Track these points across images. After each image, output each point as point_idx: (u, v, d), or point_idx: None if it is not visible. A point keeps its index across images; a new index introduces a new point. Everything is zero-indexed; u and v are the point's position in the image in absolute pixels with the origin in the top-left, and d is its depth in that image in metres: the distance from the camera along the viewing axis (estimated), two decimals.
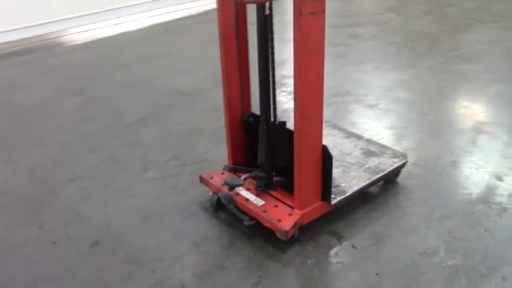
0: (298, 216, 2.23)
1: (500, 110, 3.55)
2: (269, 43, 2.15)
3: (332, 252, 2.24)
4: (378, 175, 2.50)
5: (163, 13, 6.77)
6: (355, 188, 2.40)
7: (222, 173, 2.57)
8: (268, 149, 2.30)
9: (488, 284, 2.00)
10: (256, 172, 2.38)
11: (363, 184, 2.43)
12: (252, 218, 2.31)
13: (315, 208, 2.30)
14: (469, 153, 2.97)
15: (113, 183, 2.83)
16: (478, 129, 3.26)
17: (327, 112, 2.75)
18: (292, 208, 2.28)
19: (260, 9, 2.13)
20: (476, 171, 2.78)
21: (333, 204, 2.31)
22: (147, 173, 2.90)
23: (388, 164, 2.57)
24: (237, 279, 2.09)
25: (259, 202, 2.34)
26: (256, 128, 2.34)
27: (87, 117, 3.69)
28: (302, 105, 2.06)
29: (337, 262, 2.17)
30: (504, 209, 2.45)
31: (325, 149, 2.20)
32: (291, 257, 2.20)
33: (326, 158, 2.21)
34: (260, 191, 2.39)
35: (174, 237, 2.35)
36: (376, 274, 2.09)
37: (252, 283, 2.06)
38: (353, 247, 2.26)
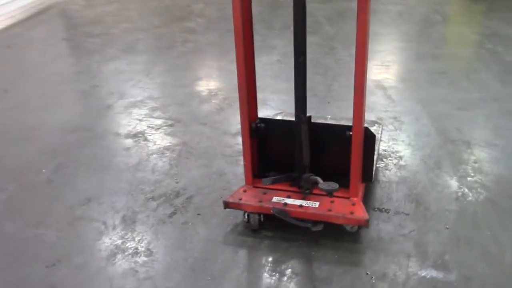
0: (361, 203, 2.22)
1: None
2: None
3: (399, 222, 2.30)
4: None
5: None
6: None
7: (245, 191, 2.33)
8: (310, 148, 2.20)
9: None
10: (296, 175, 2.25)
11: None
12: (315, 222, 2.18)
13: (362, 191, 2.32)
14: None
15: None
16: None
17: None
18: (347, 198, 2.24)
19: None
20: None
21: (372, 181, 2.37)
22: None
23: None
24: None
25: (314, 204, 2.22)
26: (267, 132, 2.28)
27: None
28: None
29: (410, 231, 2.26)
30: None
31: (366, 129, 2.21)
32: (380, 240, 2.19)
33: (369, 138, 2.22)
34: (307, 194, 2.27)
35: None
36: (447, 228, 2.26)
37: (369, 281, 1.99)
38: (405, 213, 2.37)
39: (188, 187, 2.64)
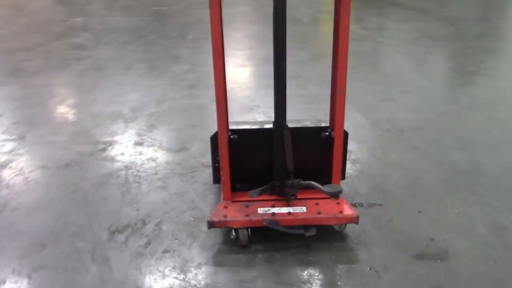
0: (345, 201, 2.25)
1: None
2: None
3: (377, 213, 2.38)
4: None
5: None
6: None
7: (226, 207, 2.23)
8: (292, 155, 2.17)
9: None
10: (278, 183, 2.21)
11: None
12: (306, 227, 2.16)
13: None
14: None
15: None
16: None
17: None
18: (329, 198, 2.25)
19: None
20: None
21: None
22: None
23: None
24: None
25: (302, 209, 2.20)
26: (240, 143, 2.20)
27: None
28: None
29: (389, 221, 2.35)
30: None
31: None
32: (366, 234, 2.23)
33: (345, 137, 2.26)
34: (292, 199, 2.23)
35: None
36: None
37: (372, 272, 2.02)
38: (377, 204, 2.46)
39: (151, 213, 2.44)
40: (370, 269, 2.05)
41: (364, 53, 4.80)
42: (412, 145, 3.02)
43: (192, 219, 2.38)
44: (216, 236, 2.25)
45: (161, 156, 2.97)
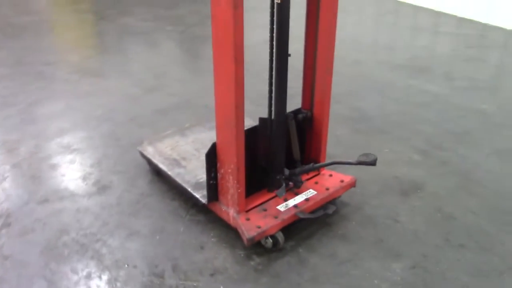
0: (334, 171, 2.41)
1: None
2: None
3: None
4: None
5: None
6: None
7: (248, 219, 2.10)
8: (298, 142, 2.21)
9: None
10: (288, 172, 2.23)
11: None
12: (326, 207, 2.25)
13: None
14: None
15: None
16: None
17: None
18: (319, 173, 2.39)
19: None
20: None
21: None
22: None
23: None
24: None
25: (313, 192, 2.26)
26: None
27: None
28: None
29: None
30: None
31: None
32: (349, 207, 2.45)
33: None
34: (299, 187, 2.26)
35: None
36: None
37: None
38: None
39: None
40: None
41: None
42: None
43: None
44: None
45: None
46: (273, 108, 2.11)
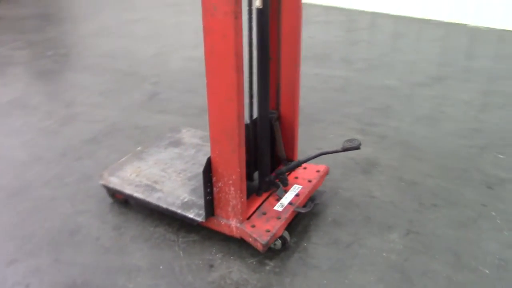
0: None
1: None
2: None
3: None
4: None
5: None
6: None
7: (253, 226, 2.11)
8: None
9: None
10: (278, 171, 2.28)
11: None
12: (311, 198, 2.35)
13: None
14: None
15: None
16: None
17: None
18: (295, 167, 2.47)
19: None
20: None
21: None
22: None
23: None
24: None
25: (299, 187, 2.33)
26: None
27: None
28: None
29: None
30: None
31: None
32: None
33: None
34: (286, 184, 2.32)
35: None
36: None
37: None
38: None
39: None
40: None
41: None
42: None
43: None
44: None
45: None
46: (255, 113, 2.14)
